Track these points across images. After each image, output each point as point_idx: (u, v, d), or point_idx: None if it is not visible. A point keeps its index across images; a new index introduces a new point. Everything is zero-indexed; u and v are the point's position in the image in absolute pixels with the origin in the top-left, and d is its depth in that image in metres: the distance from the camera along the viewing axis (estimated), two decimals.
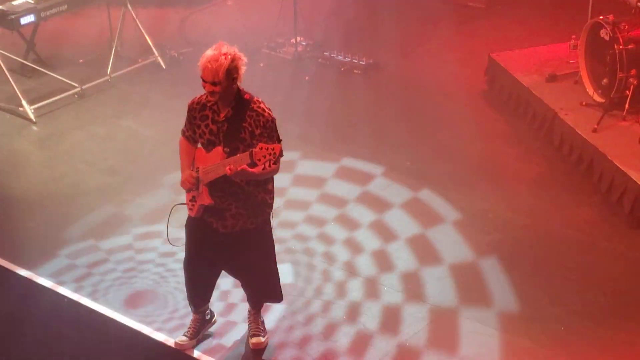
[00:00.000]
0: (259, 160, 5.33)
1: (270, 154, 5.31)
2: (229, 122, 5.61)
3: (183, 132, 5.86)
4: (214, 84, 5.49)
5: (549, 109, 8.42)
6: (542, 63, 9.08)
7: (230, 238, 5.82)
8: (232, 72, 5.50)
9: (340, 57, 10.07)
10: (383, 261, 7.06)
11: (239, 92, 5.63)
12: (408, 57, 10.14)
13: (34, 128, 9.03)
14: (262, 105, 5.64)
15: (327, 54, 10.17)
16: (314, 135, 8.74)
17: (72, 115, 9.25)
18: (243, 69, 5.57)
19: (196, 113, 5.71)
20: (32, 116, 9.08)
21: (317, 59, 10.17)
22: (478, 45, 10.10)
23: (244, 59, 5.57)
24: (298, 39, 10.29)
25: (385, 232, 7.38)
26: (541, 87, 8.72)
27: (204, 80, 5.52)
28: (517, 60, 9.22)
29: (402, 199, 7.79)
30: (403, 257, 7.08)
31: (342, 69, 9.98)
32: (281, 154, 5.42)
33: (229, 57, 5.48)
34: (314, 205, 7.75)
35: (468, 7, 11.03)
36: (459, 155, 8.38)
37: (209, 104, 5.67)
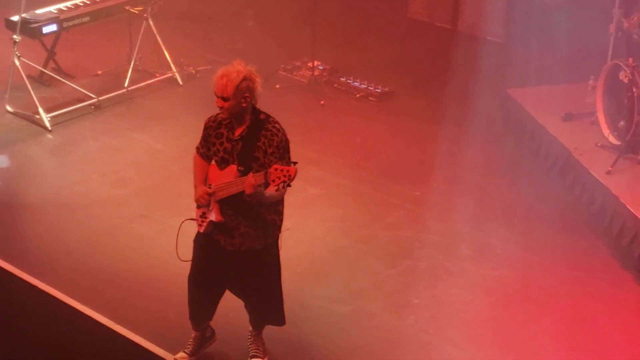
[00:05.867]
0: (273, 181, 5.34)
1: (285, 176, 5.33)
2: (243, 141, 5.63)
3: (197, 149, 5.87)
4: (223, 99, 5.53)
5: (563, 148, 8.41)
6: (559, 101, 9.06)
7: (237, 257, 5.81)
8: (242, 90, 5.52)
9: (356, 84, 10.09)
10: (389, 292, 7.04)
11: (255, 112, 5.65)
12: (424, 87, 10.15)
13: (49, 136, 9.06)
14: (277, 125, 5.66)
15: (343, 79, 10.19)
16: (326, 160, 8.74)
17: (87, 125, 9.29)
18: (258, 90, 5.60)
19: (212, 131, 5.73)
20: (47, 124, 9.12)
21: (333, 84, 10.18)
22: (494, 80, 10.08)
23: (259, 80, 5.59)
24: (315, 63, 10.32)
25: (389, 261, 7.37)
26: (556, 125, 8.70)
27: (216, 95, 5.57)
28: (533, 97, 9.21)
29: (410, 229, 7.78)
30: (408, 288, 7.07)
31: (358, 95, 10.00)
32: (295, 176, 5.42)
33: (241, 75, 5.52)
34: (320, 230, 7.74)
35: (486, 41, 11.04)
36: (470, 189, 8.36)
37: (224, 122, 5.69)
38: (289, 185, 5.40)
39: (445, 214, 7.99)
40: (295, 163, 5.46)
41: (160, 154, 8.82)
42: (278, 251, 5.93)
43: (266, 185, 5.41)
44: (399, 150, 8.99)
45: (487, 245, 7.59)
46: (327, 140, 9.13)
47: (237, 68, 5.54)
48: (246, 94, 5.55)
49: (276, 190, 5.40)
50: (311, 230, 7.70)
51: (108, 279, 7.09)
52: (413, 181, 8.45)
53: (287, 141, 5.65)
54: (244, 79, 5.52)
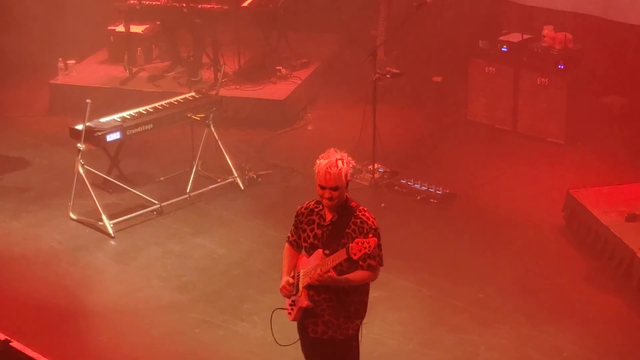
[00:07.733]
0: (355, 254, 5.40)
1: (365, 247, 5.37)
2: (333, 226, 5.72)
3: (288, 238, 5.98)
4: (334, 189, 5.61)
5: (628, 249, 8.27)
6: (622, 202, 8.96)
7: (318, 344, 5.82)
8: (347, 176, 5.66)
9: (417, 186, 10.09)
10: None
11: (346, 199, 5.74)
12: (484, 189, 10.12)
13: (112, 242, 9.17)
14: (366, 213, 5.74)
15: (403, 181, 10.20)
16: (388, 262, 8.61)
17: (150, 231, 9.38)
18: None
19: (303, 218, 5.84)
20: (110, 231, 9.23)
21: (393, 187, 10.20)
22: (556, 181, 10.04)
23: (353, 162, 5.72)
24: (375, 165, 10.37)
25: None
26: (620, 226, 8.58)
27: (322, 187, 5.63)
28: (596, 198, 9.12)
29: (475, 332, 7.65)
30: None
31: (419, 198, 9.98)
32: (378, 248, 5.57)
33: (345, 161, 5.66)
34: (384, 333, 7.65)
35: (546, 143, 11.02)
36: (533, 290, 8.24)
37: (316, 210, 5.79)
38: (368, 256, 5.50)
39: (510, 316, 7.86)
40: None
41: (223, 258, 8.85)
42: (358, 344, 5.90)
43: (349, 260, 5.46)
44: (461, 252, 8.92)
45: (555, 348, 7.42)
46: (388, 243, 8.95)
47: (337, 156, 5.67)
48: (350, 179, 5.70)
49: (354, 276, 5.48)
50: (374, 334, 7.61)
51: None
52: (476, 283, 8.35)
53: (377, 228, 5.71)
54: (348, 164, 5.68)
